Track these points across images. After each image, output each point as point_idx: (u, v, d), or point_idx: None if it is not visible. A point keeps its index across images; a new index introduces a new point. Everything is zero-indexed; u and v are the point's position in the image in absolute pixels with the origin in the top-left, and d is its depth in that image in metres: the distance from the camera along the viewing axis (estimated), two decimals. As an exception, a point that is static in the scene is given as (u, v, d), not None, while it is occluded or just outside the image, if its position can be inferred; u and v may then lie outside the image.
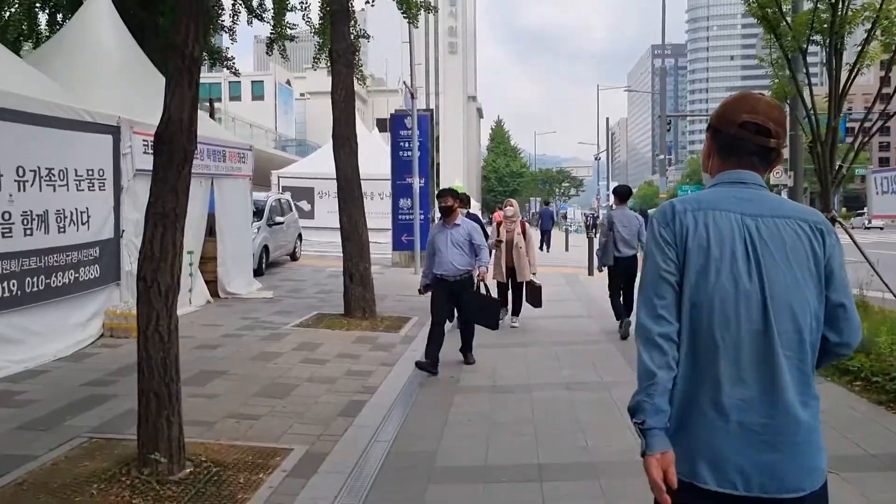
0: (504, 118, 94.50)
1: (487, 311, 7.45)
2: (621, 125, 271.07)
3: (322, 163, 28.65)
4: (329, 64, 9.93)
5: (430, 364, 6.81)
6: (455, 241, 7.08)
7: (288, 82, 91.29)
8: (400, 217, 16.33)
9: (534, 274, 9.35)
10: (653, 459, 1.77)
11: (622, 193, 9.36)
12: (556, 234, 34.11)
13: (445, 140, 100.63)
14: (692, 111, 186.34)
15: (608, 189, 52.35)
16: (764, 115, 1.93)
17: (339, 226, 10.09)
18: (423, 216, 16.08)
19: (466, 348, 7.44)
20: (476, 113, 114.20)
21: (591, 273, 15.47)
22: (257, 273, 14.56)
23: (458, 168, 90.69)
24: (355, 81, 14.00)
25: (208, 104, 18.71)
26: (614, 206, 9.71)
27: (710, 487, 1.80)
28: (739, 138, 1.94)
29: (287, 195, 17.96)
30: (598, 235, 10.28)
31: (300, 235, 17.96)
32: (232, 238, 12.23)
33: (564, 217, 63.31)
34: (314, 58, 13.16)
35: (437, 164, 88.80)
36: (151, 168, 4.30)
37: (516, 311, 9.53)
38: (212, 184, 11.62)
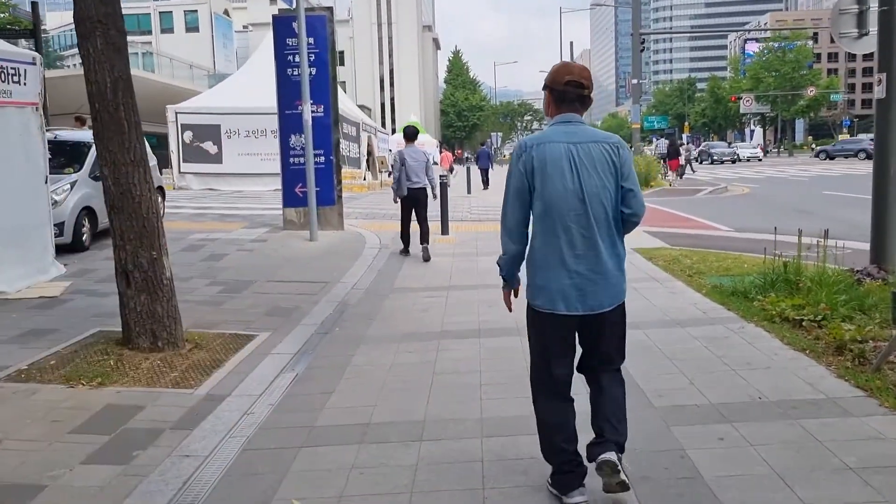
0: (467, 53, 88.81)
1: None
2: (584, 57, 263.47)
3: (232, 94, 23.72)
4: None
5: None
6: None
7: (226, 12, 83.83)
8: (292, 161, 11.68)
9: None
10: (505, 289, 3.28)
11: (410, 134, 10.26)
12: (500, 171, 32.03)
13: (399, 73, 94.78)
14: (656, 42, 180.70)
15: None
16: (579, 75, 3.07)
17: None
18: (322, 159, 11.47)
19: None
20: (433, 44, 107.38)
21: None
22: (74, 249, 10.05)
23: (413, 102, 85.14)
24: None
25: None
26: (404, 145, 10.23)
27: (562, 312, 3.03)
28: (566, 92, 3.08)
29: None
30: (391, 174, 10.99)
31: (162, 189, 12.98)
32: (-8, 202, 7.70)
33: None
34: None
35: (392, 99, 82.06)
36: None
37: None
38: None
